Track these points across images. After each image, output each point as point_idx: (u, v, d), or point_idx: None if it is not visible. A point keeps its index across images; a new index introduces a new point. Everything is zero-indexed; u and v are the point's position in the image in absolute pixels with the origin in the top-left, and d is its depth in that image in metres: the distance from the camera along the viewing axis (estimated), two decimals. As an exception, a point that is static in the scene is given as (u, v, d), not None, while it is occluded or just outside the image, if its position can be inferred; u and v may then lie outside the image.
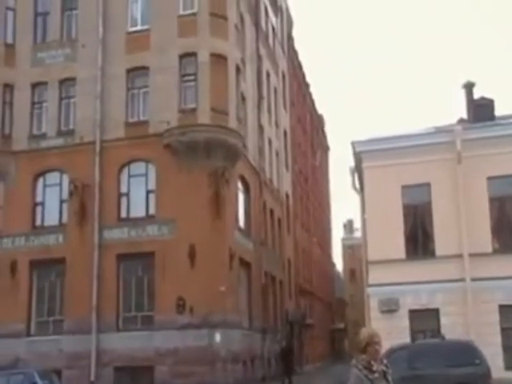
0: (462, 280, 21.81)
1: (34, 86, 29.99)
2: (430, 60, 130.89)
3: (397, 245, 22.66)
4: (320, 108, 64.75)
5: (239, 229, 29.37)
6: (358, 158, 24.27)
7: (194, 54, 27.52)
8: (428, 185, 22.62)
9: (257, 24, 35.14)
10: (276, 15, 41.63)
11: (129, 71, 28.72)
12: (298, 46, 50.77)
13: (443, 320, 21.72)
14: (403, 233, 22.93)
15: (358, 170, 25.00)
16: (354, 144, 24.17)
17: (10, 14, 30.88)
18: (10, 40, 30.59)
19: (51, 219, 28.49)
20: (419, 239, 23.16)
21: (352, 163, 25.32)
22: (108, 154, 27.77)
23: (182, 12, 28.16)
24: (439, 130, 23.86)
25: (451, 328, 20.82)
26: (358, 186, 25.55)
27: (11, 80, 30.00)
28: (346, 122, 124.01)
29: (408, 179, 22.60)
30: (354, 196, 26.55)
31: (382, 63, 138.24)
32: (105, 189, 27.55)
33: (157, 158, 27.25)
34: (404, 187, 22.83)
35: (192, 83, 27.58)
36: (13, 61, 30.23)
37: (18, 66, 30.22)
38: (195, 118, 27.02)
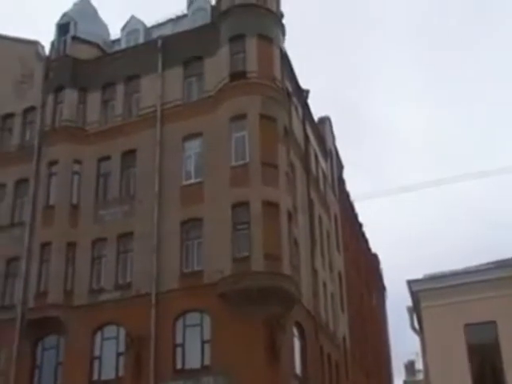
0: (543, 427, 18.09)
1: (94, 242, 28.76)
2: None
3: (463, 387, 19.22)
4: (374, 246, 61.30)
5: (296, 376, 26.29)
6: (416, 297, 21.34)
7: (246, 203, 25.83)
8: (493, 322, 19.43)
9: (307, 170, 33.54)
10: (326, 160, 40.06)
11: (183, 223, 27.24)
12: (348, 182, 48.83)
13: None
14: (469, 375, 19.47)
15: (416, 309, 21.98)
16: (409, 283, 21.33)
17: (76, 177, 30.36)
18: (74, 201, 29.83)
19: (108, 373, 26.16)
20: (487, 381, 19.63)
21: (409, 302, 22.33)
22: (163, 305, 25.76)
23: (233, 163, 26.81)
24: (500, 265, 20.92)
25: None
26: (417, 325, 22.42)
27: (74, 238, 28.94)
28: (402, 257, 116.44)
29: (471, 317, 19.49)
30: (414, 335, 23.38)
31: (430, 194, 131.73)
32: (160, 340, 25.27)
33: (211, 308, 25.01)
34: (467, 326, 19.67)
35: (245, 231, 25.64)
36: (76, 220, 29.39)
37: (80, 224, 29.29)
38: (249, 266, 24.91)
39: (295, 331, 27.18)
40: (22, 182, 31.75)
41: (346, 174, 48.06)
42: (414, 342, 24.97)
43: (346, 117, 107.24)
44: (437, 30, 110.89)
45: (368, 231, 57.61)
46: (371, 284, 58.02)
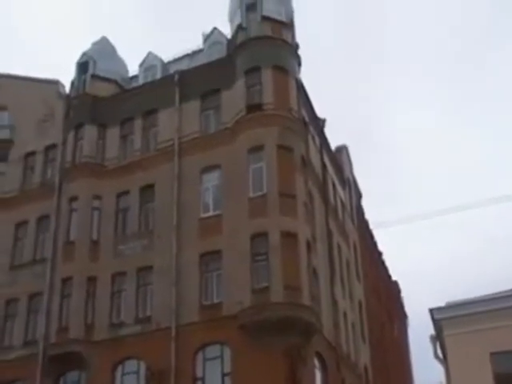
0: None
1: (114, 276, 28.30)
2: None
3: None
4: (394, 273, 59.76)
5: (318, 408, 25.50)
6: (438, 325, 20.48)
7: (264, 234, 25.31)
8: (521, 351, 18.50)
9: (325, 199, 32.87)
10: (344, 188, 39.35)
11: (202, 256, 26.69)
12: (367, 209, 47.82)
13: None
14: (497, 405, 18.50)
15: (439, 337, 21.08)
16: (432, 311, 20.48)
17: (96, 213, 30.03)
18: (94, 236, 29.47)
19: (129, 408, 25.59)
20: (515, 412, 18.60)
21: (432, 330, 21.44)
22: (183, 338, 25.11)
23: (251, 194, 26.34)
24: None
25: None
26: (440, 354, 21.48)
27: (94, 273, 28.52)
28: (423, 284, 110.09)
29: (497, 345, 18.55)
30: (438, 365, 22.36)
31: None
32: (181, 374, 24.58)
33: (231, 340, 24.35)
34: (493, 354, 18.74)
35: (264, 262, 25.07)
36: (96, 255, 28.98)
37: (100, 259, 28.87)
38: (268, 297, 24.26)
39: (316, 362, 26.37)
40: (43, 219, 31.63)
41: (364, 202, 47.32)
42: (438, 371, 23.83)
43: (363, 144, 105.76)
44: (452, 55, 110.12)
45: (388, 259, 56.51)
46: (392, 312, 56.68)
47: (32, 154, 33.58)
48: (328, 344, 28.46)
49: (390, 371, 48.20)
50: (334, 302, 31.09)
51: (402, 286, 63.99)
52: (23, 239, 31.90)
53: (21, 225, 32.16)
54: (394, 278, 60.14)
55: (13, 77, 36.32)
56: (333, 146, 38.16)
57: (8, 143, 34.43)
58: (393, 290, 60.04)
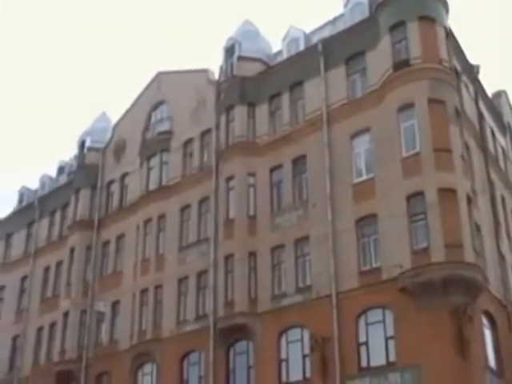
0: None
1: (273, 249, 28.76)
2: None
3: None
4: None
5: (490, 369, 24.06)
6: None
7: (421, 193, 24.45)
8: None
9: (484, 149, 30.79)
10: (504, 135, 36.41)
11: (358, 221, 26.38)
12: None
13: None
14: None
15: None
16: None
17: (252, 189, 30.78)
18: (251, 212, 30.23)
19: (295, 375, 26.11)
20: None
21: None
22: (344, 305, 25.13)
23: (404, 154, 25.53)
24: None
25: None
26: None
27: (254, 248, 29.27)
28: None
29: None
30: None
31: None
32: (343, 340, 24.65)
33: (393, 303, 23.86)
34: None
35: (422, 222, 24.25)
36: (255, 230, 29.64)
37: (258, 234, 29.48)
38: (429, 257, 23.41)
39: (485, 321, 25.07)
40: (204, 200, 32.92)
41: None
42: None
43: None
44: None
45: None
46: None
47: (190, 141, 34.99)
48: (497, 302, 26.91)
49: None
50: (501, 258, 29.23)
51: None
52: (188, 221, 33.47)
53: (185, 208, 33.73)
54: None
55: (168, 72, 38.23)
56: (490, 92, 35.59)
57: (169, 134, 36.26)
58: None
